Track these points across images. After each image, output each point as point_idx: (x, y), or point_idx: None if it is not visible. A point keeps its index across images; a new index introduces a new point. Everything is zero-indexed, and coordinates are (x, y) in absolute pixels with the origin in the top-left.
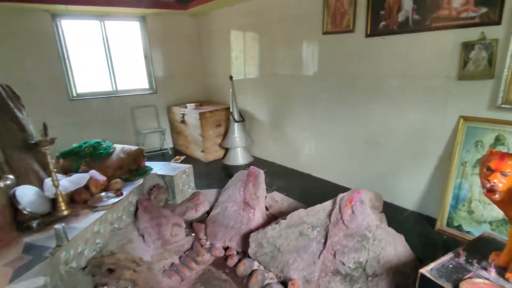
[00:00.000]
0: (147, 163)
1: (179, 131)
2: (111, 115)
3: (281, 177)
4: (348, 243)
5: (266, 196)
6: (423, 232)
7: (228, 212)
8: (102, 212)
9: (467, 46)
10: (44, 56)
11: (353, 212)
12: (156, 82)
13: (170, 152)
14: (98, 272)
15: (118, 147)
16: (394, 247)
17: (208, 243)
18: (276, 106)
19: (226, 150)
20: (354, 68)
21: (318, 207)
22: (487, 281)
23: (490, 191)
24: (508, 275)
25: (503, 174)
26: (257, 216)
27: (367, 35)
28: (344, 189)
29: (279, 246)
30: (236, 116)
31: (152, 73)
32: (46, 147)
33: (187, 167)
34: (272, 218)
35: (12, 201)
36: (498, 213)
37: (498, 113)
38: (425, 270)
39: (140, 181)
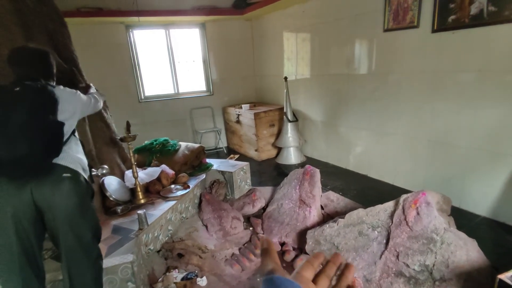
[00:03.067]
0: (208, 160)
1: (233, 130)
2: (173, 116)
3: (335, 177)
4: (412, 245)
5: (321, 195)
6: (498, 240)
7: (283, 209)
8: (172, 202)
9: None
10: (119, 64)
11: (418, 213)
12: (213, 84)
13: (225, 151)
14: (170, 255)
15: (182, 144)
16: (466, 252)
17: (265, 237)
18: (329, 105)
19: (279, 149)
20: (418, 65)
21: (379, 207)
22: None
23: None
24: None
25: None
26: (313, 214)
27: (434, 31)
28: (404, 191)
29: (337, 244)
30: (290, 116)
31: (209, 76)
32: (129, 143)
33: (245, 164)
34: (328, 217)
35: (101, 189)
36: None
37: None
38: (504, 276)
39: (202, 176)
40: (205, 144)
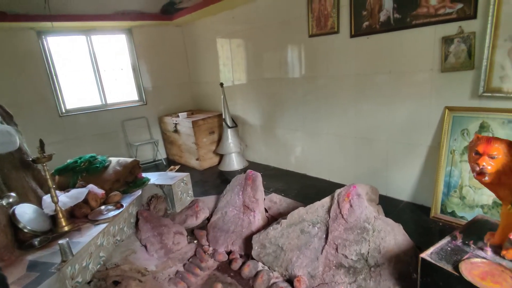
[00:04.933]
0: (144, 174)
1: (172, 140)
2: (102, 129)
3: (277, 179)
4: (348, 236)
5: (264, 199)
6: (419, 221)
7: (228, 217)
8: (103, 225)
9: (447, 40)
10: (32, 74)
11: (351, 206)
12: (146, 93)
13: (164, 163)
14: (103, 285)
15: (113, 160)
16: (394, 236)
17: (210, 248)
18: (266, 109)
19: (221, 156)
20: (341, 68)
21: (317, 204)
22: (484, 260)
23: (480, 174)
24: (503, 252)
25: (491, 157)
26: (258, 218)
27: (352, 36)
28: (340, 186)
29: (282, 245)
30: (229, 122)
31: (141, 84)
32: (44, 164)
33: (185, 175)
34: (272, 219)
35: (12, 220)
36: (488, 197)
37: (481, 102)
38: (425, 255)
39: (138, 192)
40: (142, 157)
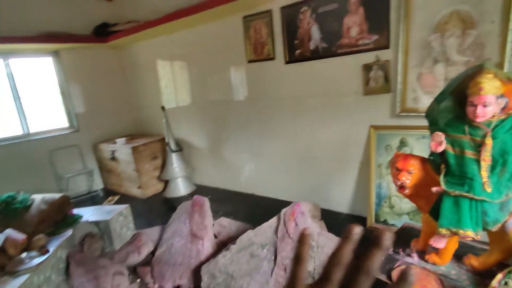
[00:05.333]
0: (75, 211)
1: (109, 169)
2: (24, 162)
3: (226, 201)
4: None
5: (213, 224)
6: None
7: (175, 248)
8: (25, 276)
9: (367, 67)
10: None
11: (296, 224)
12: (78, 119)
13: (101, 194)
14: None
15: (37, 198)
16: None
17: (156, 286)
18: (212, 131)
19: (166, 182)
20: (280, 91)
21: (265, 225)
22: (412, 266)
23: (401, 188)
24: (426, 257)
25: (409, 172)
26: (207, 246)
27: (287, 62)
28: (286, 203)
29: (232, 272)
30: (173, 146)
31: (71, 110)
32: None
33: (124, 207)
34: (222, 245)
35: None
36: (412, 204)
37: (399, 120)
38: None
39: (69, 232)
40: (75, 190)
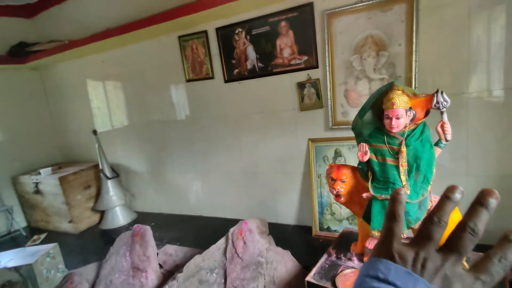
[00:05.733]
0: None
1: (33, 204)
2: None
3: (171, 227)
4: (245, 274)
5: (157, 253)
6: (304, 241)
7: (114, 286)
8: None
9: (300, 85)
10: None
11: (245, 243)
12: None
13: (24, 233)
14: None
15: None
16: (284, 264)
17: None
18: (151, 154)
19: (102, 213)
20: (221, 109)
21: (213, 248)
22: (353, 269)
23: (337, 196)
24: (365, 259)
25: (342, 181)
26: (151, 278)
27: (226, 81)
28: (235, 222)
29: None
30: (108, 173)
31: None
32: None
33: (51, 246)
34: (169, 275)
35: None
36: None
37: (332, 133)
38: (309, 277)
39: None
40: None
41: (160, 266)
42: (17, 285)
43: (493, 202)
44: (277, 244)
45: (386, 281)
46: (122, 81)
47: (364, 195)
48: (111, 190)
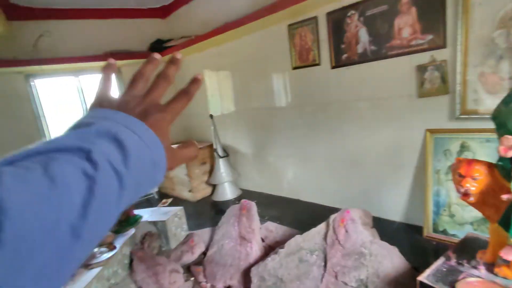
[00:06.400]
0: (136, 212)
1: None
2: None
3: (271, 206)
4: (347, 262)
5: (260, 228)
6: (413, 241)
7: (225, 250)
8: (97, 270)
9: (421, 68)
10: (18, 116)
11: (346, 231)
12: None
13: (156, 196)
14: None
15: None
16: (391, 260)
17: (208, 285)
18: (256, 138)
19: (214, 186)
20: (325, 96)
21: (313, 231)
22: (479, 279)
23: (465, 195)
24: (496, 270)
25: (473, 178)
26: (255, 249)
27: (333, 67)
28: (333, 210)
29: (281, 276)
30: (220, 152)
31: None
32: None
33: (178, 209)
34: (269, 249)
35: None
36: (476, 213)
37: (459, 123)
38: (422, 277)
39: (131, 231)
40: None
41: (262, 240)
42: (155, 236)
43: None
44: (381, 240)
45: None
46: (232, 71)
47: (505, 196)
48: (222, 167)
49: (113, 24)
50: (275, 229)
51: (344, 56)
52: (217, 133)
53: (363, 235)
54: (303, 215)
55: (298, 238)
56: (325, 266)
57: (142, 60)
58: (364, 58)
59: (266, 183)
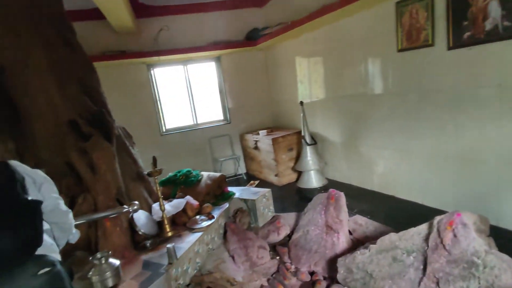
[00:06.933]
0: (229, 188)
1: (252, 157)
2: (193, 146)
3: (361, 200)
4: (452, 270)
5: (348, 220)
6: None
7: (310, 236)
8: (199, 234)
9: None
10: (142, 101)
11: (455, 236)
12: (230, 113)
13: (244, 177)
14: None
15: (204, 174)
16: None
17: (293, 267)
18: (347, 126)
19: (299, 173)
20: (435, 82)
21: (412, 230)
22: None
23: None
24: None
25: None
26: (342, 240)
27: (450, 48)
28: (435, 211)
29: (371, 272)
30: (308, 139)
31: (226, 105)
32: (155, 177)
33: (266, 191)
34: (357, 242)
35: (131, 224)
36: None
37: None
38: None
39: (225, 205)
40: (225, 172)
41: (350, 232)
42: (245, 212)
43: None
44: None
45: None
46: (324, 57)
47: None
48: (309, 155)
49: (215, 16)
50: (365, 223)
51: (466, 34)
52: (306, 120)
53: (476, 243)
54: (398, 213)
55: (393, 236)
56: (424, 269)
57: (240, 49)
58: (493, 36)
59: (356, 175)
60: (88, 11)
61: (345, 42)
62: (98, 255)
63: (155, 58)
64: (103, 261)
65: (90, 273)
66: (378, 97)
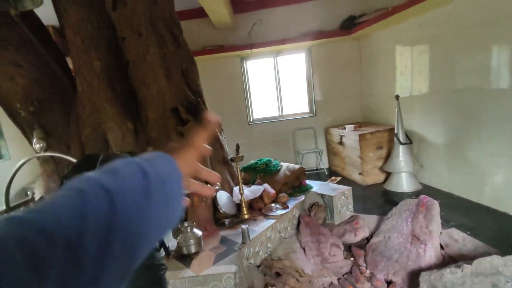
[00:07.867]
0: (307, 181)
1: (335, 152)
2: (276, 136)
3: (461, 212)
4: None
5: (441, 232)
6: None
7: (391, 243)
8: (272, 221)
9: None
10: (233, 91)
11: None
12: (316, 105)
13: (326, 173)
14: (268, 272)
15: (284, 165)
16: None
17: (368, 271)
18: (454, 126)
19: (388, 174)
20: None
21: None
22: None
23: None
24: None
25: None
26: (429, 253)
27: None
28: None
29: None
30: (402, 138)
31: (312, 97)
32: (237, 163)
33: (346, 189)
34: (449, 259)
35: (214, 202)
36: None
37: None
38: None
39: (301, 197)
40: (306, 165)
41: (441, 247)
42: (321, 207)
43: None
44: None
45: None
46: (431, 44)
47: None
48: (401, 155)
49: (308, 6)
50: (462, 239)
51: None
52: (401, 117)
53: None
54: (510, 234)
55: (496, 259)
56: None
57: (332, 39)
58: None
59: (459, 183)
60: (193, 10)
61: (459, 27)
62: (185, 224)
63: (248, 51)
64: (189, 230)
65: (178, 238)
66: (500, 93)
